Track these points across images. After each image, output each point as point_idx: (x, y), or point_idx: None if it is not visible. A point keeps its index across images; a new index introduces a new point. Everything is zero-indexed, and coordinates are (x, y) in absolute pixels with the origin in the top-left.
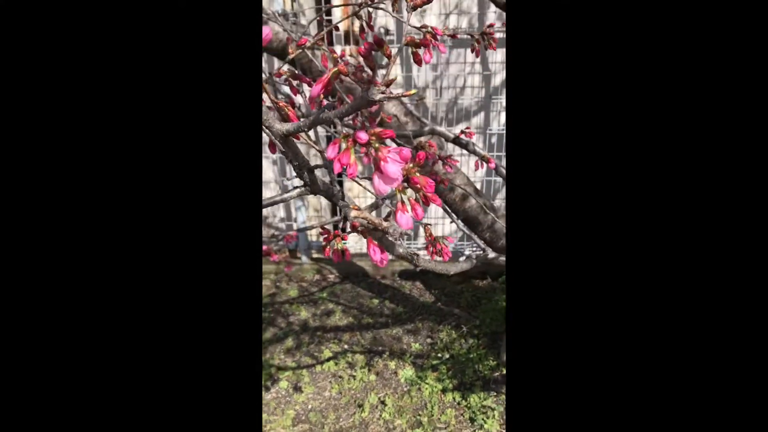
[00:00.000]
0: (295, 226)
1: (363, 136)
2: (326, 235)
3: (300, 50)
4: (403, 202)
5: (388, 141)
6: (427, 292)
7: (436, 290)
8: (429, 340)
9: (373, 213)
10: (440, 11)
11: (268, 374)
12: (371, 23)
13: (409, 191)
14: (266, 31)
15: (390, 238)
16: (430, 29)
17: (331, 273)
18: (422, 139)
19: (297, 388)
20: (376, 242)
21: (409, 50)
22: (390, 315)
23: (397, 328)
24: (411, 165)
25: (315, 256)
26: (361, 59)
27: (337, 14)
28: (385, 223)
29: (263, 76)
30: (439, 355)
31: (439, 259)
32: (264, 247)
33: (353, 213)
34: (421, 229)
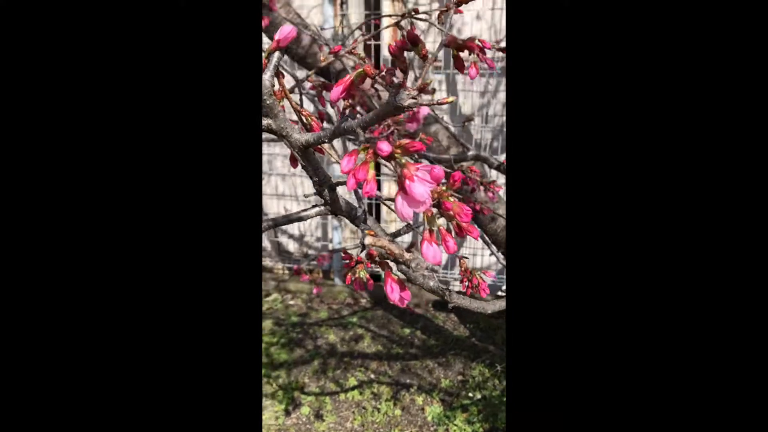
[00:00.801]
0: (330, 247)
1: (385, 147)
2: (348, 261)
3: (333, 58)
4: (431, 232)
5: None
6: (462, 326)
7: (471, 324)
8: (460, 377)
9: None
10: (480, 33)
11: (290, 398)
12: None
13: (441, 219)
14: (289, 28)
15: (412, 274)
16: (477, 41)
17: (363, 297)
18: (464, 164)
19: (318, 416)
20: (395, 277)
21: (456, 75)
22: (421, 346)
23: (427, 361)
24: (444, 188)
25: None
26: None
27: (386, 38)
28: (407, 255)
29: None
30: (470, 394)
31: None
32: (295, 267)
33: (368, 240)
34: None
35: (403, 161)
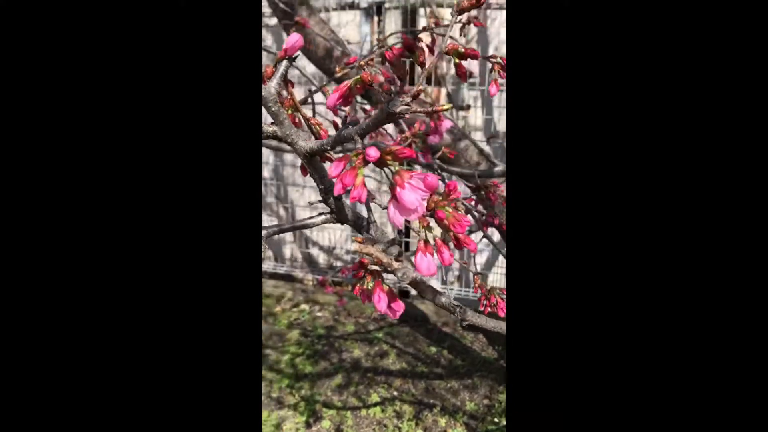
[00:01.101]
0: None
1: (372, 152)
2: (356, 271)
3: (348, 69)
4: (427, 242)
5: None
6: (490, 347)
7: (500, 346)
8: (486, 401)
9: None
10: None
11: (312, 410)
12: (433, 47)
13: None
14: (296, 37)
15: (423, 289)
16: (499, 60)
17: None
18: (489, 180)
19: (339, 431)
20: (384, 287)
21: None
22: (447, 366)
23: (452, 382)
24: (440, 197)
25: None
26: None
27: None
28: (395, 264)
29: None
30: (496, 420)
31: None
32: (320, 278)
33: (355, 246)
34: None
35: (396, 168)
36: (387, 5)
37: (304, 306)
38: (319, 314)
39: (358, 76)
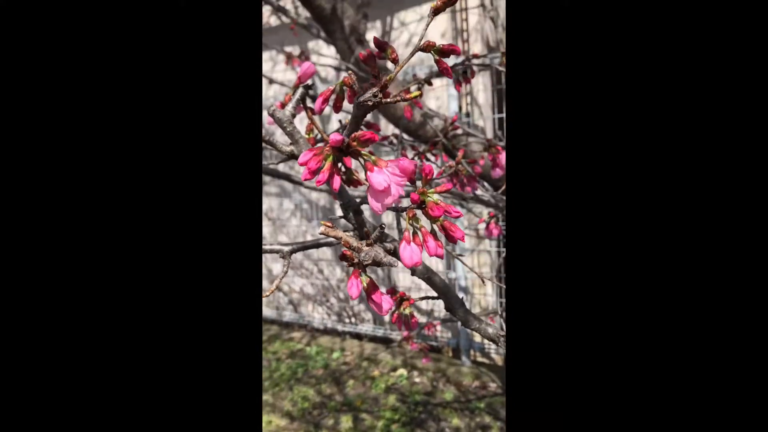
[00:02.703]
0: (459, 324)
1: (336, 137)
2: (347, 260)
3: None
4: (415, 233)
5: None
6: None
7: None
8: None
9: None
10: None
11: None
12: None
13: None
14: (307, 65)
15: (464, 316)
16: None
17: (492, 381)
18: None
19: None
20: (361, 278)
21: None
22: None
23: None
24: (424, 185)
25: (478, 359)
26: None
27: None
28: (365, 248)
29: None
30: None
31: None
32: (405, 333)
33: (322, 228)
34: None
35: (373, 158)
36: (475, 69)
37: (401, 370)
38: (417, 380)
39: (341, 80)
